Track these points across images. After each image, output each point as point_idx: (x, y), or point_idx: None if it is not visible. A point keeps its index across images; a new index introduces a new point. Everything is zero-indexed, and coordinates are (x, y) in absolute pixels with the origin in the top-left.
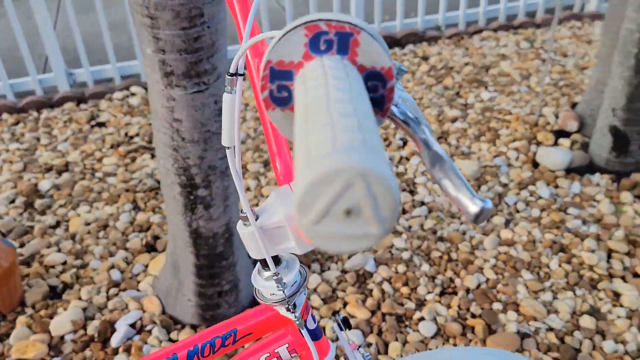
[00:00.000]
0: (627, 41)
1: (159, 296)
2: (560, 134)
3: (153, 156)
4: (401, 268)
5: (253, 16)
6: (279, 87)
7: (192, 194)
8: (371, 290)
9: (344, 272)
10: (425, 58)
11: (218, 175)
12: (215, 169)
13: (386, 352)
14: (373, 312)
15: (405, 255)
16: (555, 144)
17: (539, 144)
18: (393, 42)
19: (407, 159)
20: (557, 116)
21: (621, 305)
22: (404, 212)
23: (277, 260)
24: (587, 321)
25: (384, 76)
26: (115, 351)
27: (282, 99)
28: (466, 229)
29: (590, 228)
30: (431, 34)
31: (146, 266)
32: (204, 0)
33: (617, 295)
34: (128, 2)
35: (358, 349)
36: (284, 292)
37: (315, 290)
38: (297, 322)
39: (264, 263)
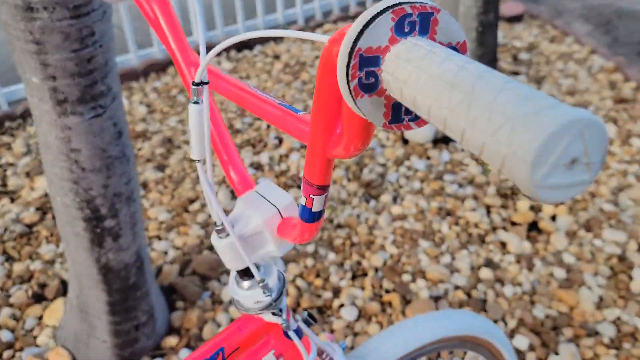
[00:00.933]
0: (467, 17)
1: (66, 346)
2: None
3: (13, 200)
4: (309, 262)
5: (203, 20)
6: (367, 73)
7: (99, 226)
8: (286, 289)
9: None
10: (276, 57)
11: (124, 202)
12: (121, 195)
13: None
14: (294, 310)
15: (310, 248)
16: None
17: None
18: (242, 44)
19: (287, 156)
20: None
21: (509, 253)
22: None
23: (248, 270)
24: (485, 273)
25: (459, 50)
26: None
27: (370, 85)
28: (359, 212)
29: (466, 190)
30: None
31: (40, 318)
32: (93, 18)
33: (503, 244)
34: (3, 28)
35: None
36: (271, 297)
37: (230, 302)
38: (284, 325)
39: (242, 273)
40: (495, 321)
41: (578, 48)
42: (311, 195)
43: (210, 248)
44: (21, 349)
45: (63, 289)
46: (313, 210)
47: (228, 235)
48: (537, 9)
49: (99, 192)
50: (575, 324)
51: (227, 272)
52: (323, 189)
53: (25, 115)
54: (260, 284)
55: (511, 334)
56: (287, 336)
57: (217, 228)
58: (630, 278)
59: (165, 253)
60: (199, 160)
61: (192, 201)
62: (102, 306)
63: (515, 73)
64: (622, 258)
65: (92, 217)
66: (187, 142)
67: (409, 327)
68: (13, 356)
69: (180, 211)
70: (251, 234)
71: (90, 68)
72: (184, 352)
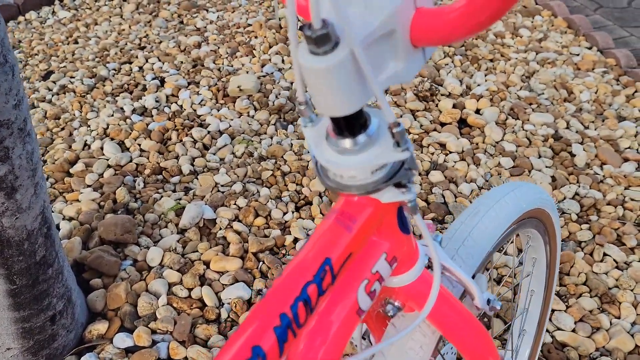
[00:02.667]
0: None
1: None
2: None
3: None
4: (241, 202)
5: None
6: None
7: None
8: (224, 237)
9: (182, 232)
10: None
11: (17, 135)
12: (11, 125)
13: None
14: (242, 258)
15: (237, 187)
16: None
17: None
18: None
19: (175, 96)
20: None
21: (450, 152)
22: (206, 148)
23: (360, 116)
24: (436, 176)
25: None
26: None
27: None
28: (279, 139)
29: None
30: None
31: None
32: None
33: (442, 145)
34: None
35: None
36: (408, 149)
37: (162, 265)
38: (413, 202)
39: (345, 126)
40: None
41: None
42: None
43: (115, 211)
44: None
45: None
46: None
47: (336, 45)
48: None
49: None
50: None
51: (147, 233)
52: None
53: None
54: (395, 129)
55: None
56: (402, 226)
57: (317, 33)
58: (572, 155)
59: (57, 228)
60: None
61: (72, 163)
62: (2, 299)
63: None
64: (556, 137)
65: None
66: (43, 100)
67: (491, 205)
68: None
69: (60, 176)
70: (375, 39)
71: None
72: (121, 338)
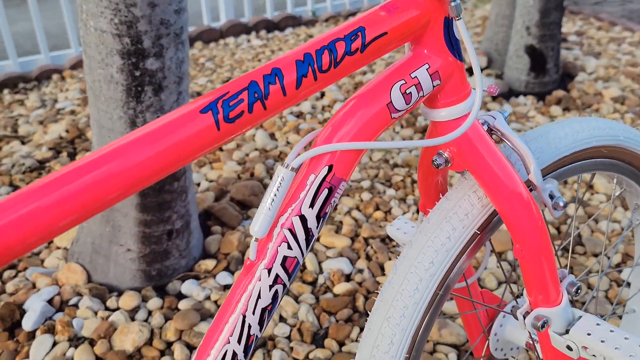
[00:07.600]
0: None
1: (81, 262)
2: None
3: (23, 142)
4: (366, 196)
5: None
6: None
7: (139, 67)
8: (341, 222)
9: None
10: (310, 36)
11: (172, 39)
12: (169, 26)
13: (383, 273)
14: (352, 239)
15: (365, 184)
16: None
17: None
18: (272, 25)
19: (330, 107)
20: None
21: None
22: None
23: None
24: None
25: None
26: (32, 335)
27: None
28: (418, 153)
29: None
30: (308, 18)
31: (50, 241)
32: None
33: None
34: None
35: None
36: None
37: None
38: (455, 1)
39: None
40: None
41: (629, 34)
42: None
43: (250, 179)
44: (25, 269)
45: None
46: None
47: None
48: (576, 8)
49: (144, 12)
50: None
51: None
52: None
53: (40, 77)
54: None
55: None
56: (450, 46)
57: None
58: None
59: (198, 185)
60: None
61: None
62: (132, 196)
63: (568, 49)
64: None
65: (132, 50)
66: None
67: (571, 123)
68: (15, 275)
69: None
70: None
71: None
72: (223, 276)
